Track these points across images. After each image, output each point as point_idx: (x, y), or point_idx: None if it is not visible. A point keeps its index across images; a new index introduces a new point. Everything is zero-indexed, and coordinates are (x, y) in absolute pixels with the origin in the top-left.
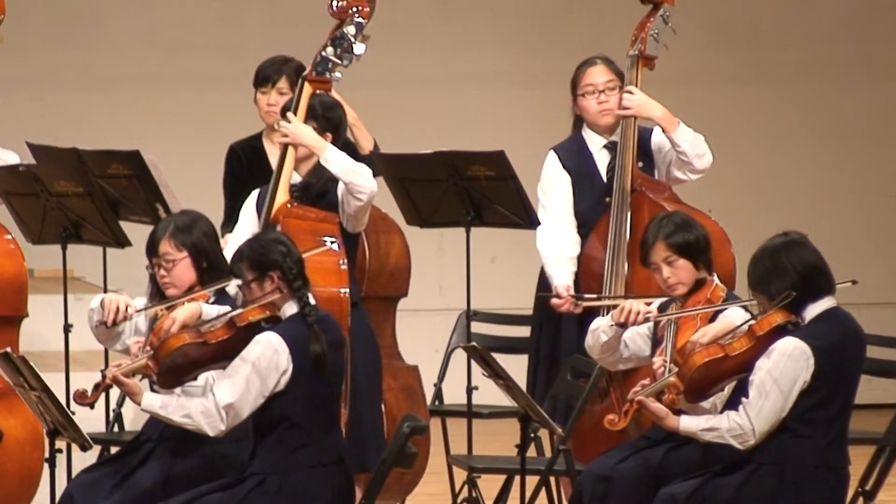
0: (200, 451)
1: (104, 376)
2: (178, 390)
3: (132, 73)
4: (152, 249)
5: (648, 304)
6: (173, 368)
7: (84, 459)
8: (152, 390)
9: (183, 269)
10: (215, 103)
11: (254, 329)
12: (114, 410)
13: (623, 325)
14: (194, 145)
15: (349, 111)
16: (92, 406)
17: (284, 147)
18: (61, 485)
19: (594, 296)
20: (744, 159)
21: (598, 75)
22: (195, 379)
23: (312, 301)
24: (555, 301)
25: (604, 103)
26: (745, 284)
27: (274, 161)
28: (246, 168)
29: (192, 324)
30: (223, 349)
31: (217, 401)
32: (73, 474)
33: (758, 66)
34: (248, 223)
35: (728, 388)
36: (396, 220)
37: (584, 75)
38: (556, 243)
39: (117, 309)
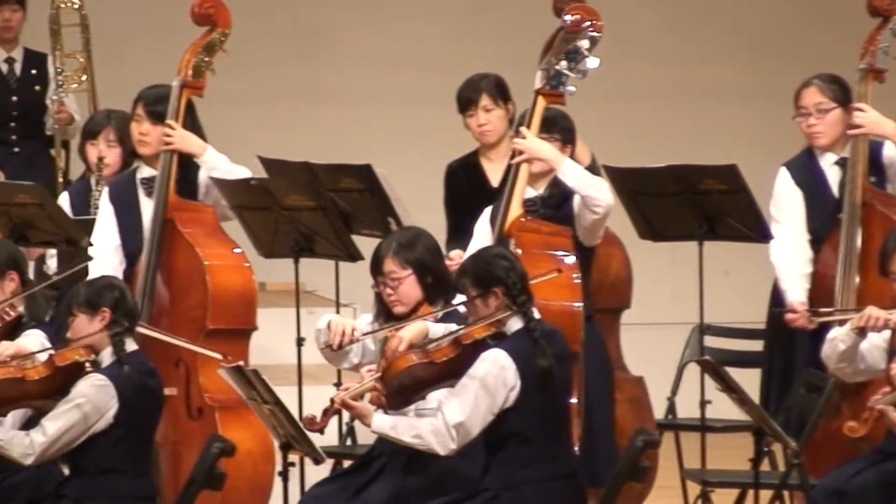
0: (432, 467)
1: (332, 401)
2: (411, 411)
3: (363, 87)
4: (377, 268)
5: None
6: (401, 389)
7: (317, 473)
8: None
9: (409, 287)
10: (444, 118)
11: (479, 346)
12: (346, 424)
13: (862, 332)
14: (422, 160)
15: None
16: (321, 431)
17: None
18: (294, 498)
19: (829, 309)
20: None
21: (809, 97)
22: (424, 399)
23: (537, 315)
24: (789, 316)
25: (812, 127)
26: None
27: (492, 177)
28: (465, 185)
29: (419, 343)
30: (450, 368)
31: (447, 420)
32: (306, 488)
33: None
34: (482, 239)
35: None
36: (626, 233)
37: (798, 96)
38: (792, 258)
39: (343, 332)
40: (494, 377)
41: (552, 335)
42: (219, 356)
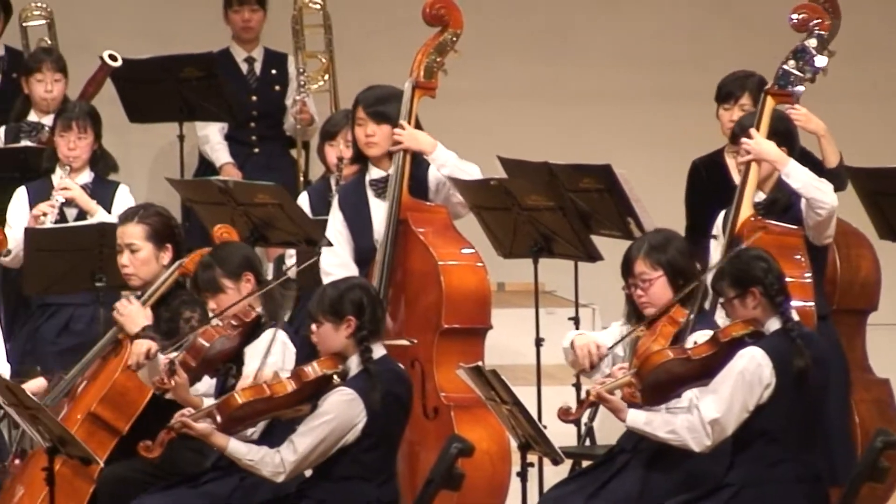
0: (678, 466)
1: (588, 393)
2: (662, 408)
3: (602, 87)
4: (627, 269)
5: None
6: (656, 385)
7: (556, 474)
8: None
9: (659, 288)
10: (683, 116)
11: (737, 344)
12: (585, 424)
13: None
14: (663, 159)
15: (818, 123)
16: (576, 422)
17: (748, 162)
18: (533, 499)
19: None
20: None
21: None
22: (678, 396)
23: (796, 316)
24: None
25: None
26: None
27: (736, 176)
28: (707, 183)
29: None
30: (706, 365)
31: (702, 416)
32: (544, 489)
33: None
34: (714, 243)
35: None
36: (866, 233)
37: None
38: None
39: (589, 353)
40: (751, 374)
41: (810, 337)
42: (407, 342)
